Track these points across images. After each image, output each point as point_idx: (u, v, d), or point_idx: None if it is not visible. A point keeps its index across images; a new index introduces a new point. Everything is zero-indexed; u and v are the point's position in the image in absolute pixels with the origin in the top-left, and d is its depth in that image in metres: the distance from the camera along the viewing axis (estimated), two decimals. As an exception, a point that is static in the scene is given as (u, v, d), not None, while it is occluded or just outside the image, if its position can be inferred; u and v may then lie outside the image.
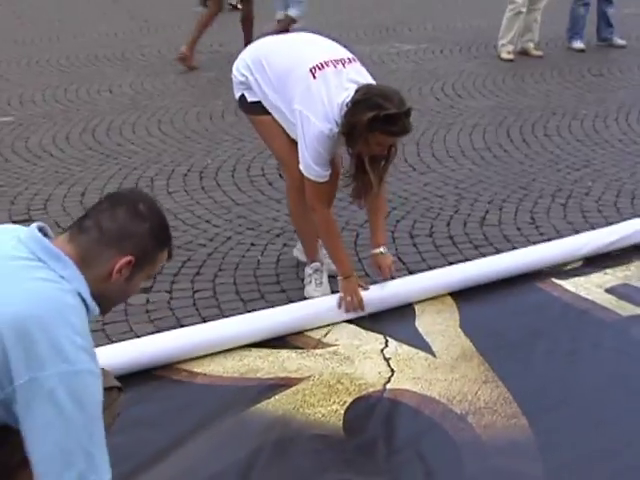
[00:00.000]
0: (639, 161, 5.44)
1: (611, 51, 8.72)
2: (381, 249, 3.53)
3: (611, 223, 4.36)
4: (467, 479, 2.59)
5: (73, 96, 7.02)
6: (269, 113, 3.47)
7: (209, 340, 3.23)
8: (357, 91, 3.13)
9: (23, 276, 1.83)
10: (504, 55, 8.27)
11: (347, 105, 3.12)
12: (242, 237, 4.33)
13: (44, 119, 6.35)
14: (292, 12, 7.77)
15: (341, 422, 2.84)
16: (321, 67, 3.24)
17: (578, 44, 8.69)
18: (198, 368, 3.14)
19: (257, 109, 3.50)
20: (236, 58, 3.61)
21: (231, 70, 3.60)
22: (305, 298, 3.64)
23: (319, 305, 3.50)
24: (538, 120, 6.30)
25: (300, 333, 3.36)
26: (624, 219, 4.38)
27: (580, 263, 3.99)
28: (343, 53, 3.40)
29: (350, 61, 3.34)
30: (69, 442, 1.75)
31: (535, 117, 6.38)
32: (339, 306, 3.44)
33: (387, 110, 3.02)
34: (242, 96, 3.55)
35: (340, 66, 3.27)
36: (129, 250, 1.93)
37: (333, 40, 3.58)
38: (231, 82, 3.63)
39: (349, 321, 3.46)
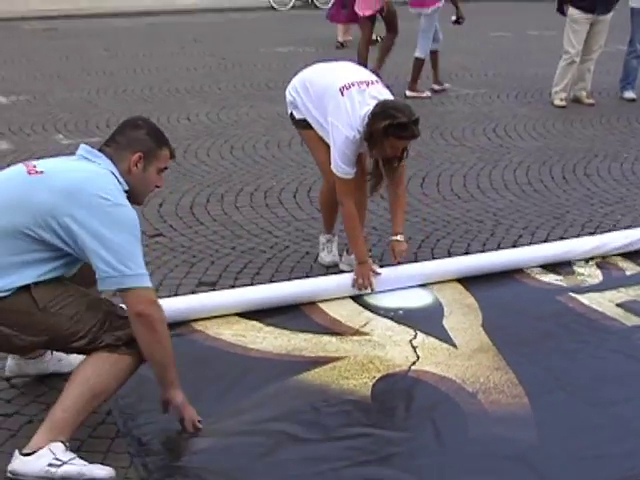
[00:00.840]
0: (671, 201, 5.87)
1: (662, 102, 9.15)
2: (398, 237, 4.32)
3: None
4: (470, 441, 3.09)
5: (154, 122, 7.69)
6: (312, 128, 4.25)
7: (244, 300, 4.02)
8: (375, 105, 3.91)
9: (75, 164, 2.94)
10: (557, 102, 8.78)
11: (368, 117, 3.88)
12: (298, 247, 4.90)
13: (128, 141, 7.03)
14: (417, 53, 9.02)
15: (369, 392, 3.37)
16: (348, 87, 4.02)
17: (629, 94, 9.14)
18: (252, 345, 3.71)
19: (303, 124, 4.32)
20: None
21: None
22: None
23: (338, 280, 4.26)
24: (580, 161, 6.78)
25: (340, 322, 3.92)
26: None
27: (598, 280, 4.46)
28: (368, 77, 4.18)
29: (373, 83, 4.11)
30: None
31: (578, 158, 6.85)
32: (352, 285, 4.17)
33: (399, 119, 3.78)
34: (291, 114, 4.39)
35: (364, 86, 4.04)
36: (137, 149, 2.96)
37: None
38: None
39: (385, 316, 3.99)
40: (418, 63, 9.07)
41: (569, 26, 8.73)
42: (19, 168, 2.95)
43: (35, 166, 2.90)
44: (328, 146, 4.15)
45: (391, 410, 3.27)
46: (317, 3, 18.67)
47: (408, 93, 9.00)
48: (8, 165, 3.31)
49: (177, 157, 6.50)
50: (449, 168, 6.50)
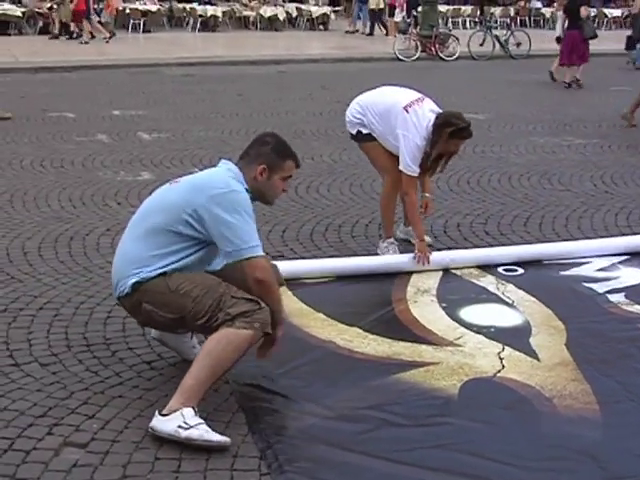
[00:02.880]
0: None
1: None
2: (427, 194, 5.67)
3: None
4: (541, 435, 3.53)
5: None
6: (374, 140, 5.46)
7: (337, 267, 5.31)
8: (437, 117, 5.19)
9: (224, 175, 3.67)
10: None
11: (432, 126, 5.13)
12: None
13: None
14: None
15: (457, 391, 3.87)
16: (410, 105, 5.27)
17: None
18: (358, 349, 4.26)
19: (368, 138, 5.52)
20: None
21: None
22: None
23: (406, 257, 5.45)
24: (683, 208, 7.08)
25: (437, 335, 4.43)
26: None
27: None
28: (419, 95, 5.44)
29: (424, 99, 5.39)
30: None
31: (681, 206, 7.15)
32: (414, 258, 5.31)
33: (460, 125, 5.11)
34: (358, 131, 5.55)
35: (420, 103, 5.32)
36: (262, 162, 3.69)
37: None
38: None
39: (478, 332, 4.48)
40: None
41: None
42: (167, 184, 3.79)
43: (177, 180, 3.78)
44: (388, 154, 5.46)
45: (474, 406, 3.75)
46: (441, 55, 19.29)
47: None
48: (150, 193, 4.07)
49: (300, 192, 7.22)
50: (553, 210, 6.90)
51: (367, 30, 26.38)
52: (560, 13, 15.78)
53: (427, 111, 5.22)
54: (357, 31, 27.11)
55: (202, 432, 3.35)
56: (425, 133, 5.15)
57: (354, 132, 5.58)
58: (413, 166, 5.23)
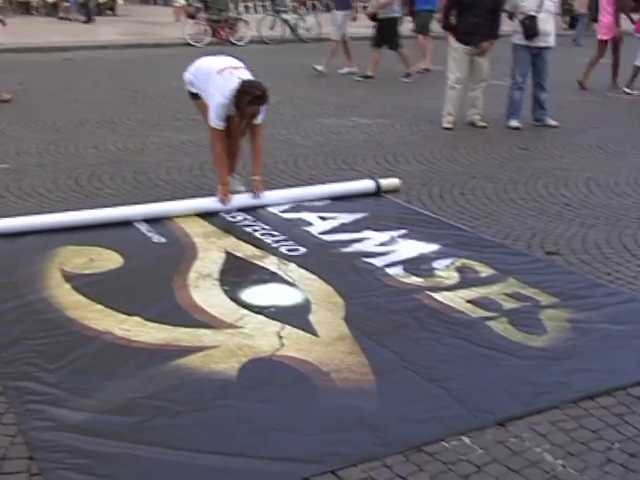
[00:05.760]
0: (533, 215, 6.48)
1: (543, 130, 9.88)
2: (256, 177, 6.38)
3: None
4: (320, 409, 3.57)
5: (63, 150, 8.14)
6: (202, 98, 6.31)
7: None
8: (239, 84, 5.92)
9: None
10: (444, 124, 9.77)
11: (236, 91, 5.90)
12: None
13: (36, 167, 7.45)
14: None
15: (236, 372, 3.85)
16: (223, 70, 6.13)
17: (514, 123, 9.88)
18: (136, 338, 4.16)
19: (197, 97, 6.42)
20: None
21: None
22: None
23: (208, 200, 6.28)
24: (458, 182, 7.38)
25: (217, 318, 4.40)
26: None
27: (455, 281, 5.00)
28: (238, 64, 6.28)
29: (241, 68, 6.23)
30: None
31: (456, 180, 7.46)
32: (217, 200, 6.22)
33: (255, 94, 5.89)
34: (189, 90, 6.47)
35: (234, 70, 6.14)
36: None
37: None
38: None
39: (259, 312, 4.47)
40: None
41: (449, 54, 9.71)
42: None
43: None
44: None
45: (252, 387, 3.74)
46: (232, 40, 19.27)
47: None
48: None
49: (81, 181, 6.99)
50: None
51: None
52: None
53: (235, 77, 6.01)
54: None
55: None
56: (229, 94, 5.93)
57: (187, 90, 6.51)
58: (217, 120, 6.07)
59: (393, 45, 13.59)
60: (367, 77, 13.65)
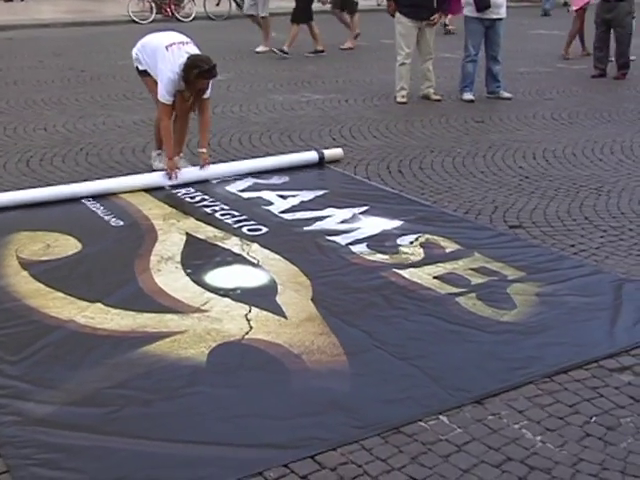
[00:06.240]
0: (493, 188, 6.46)
1: (498, 102, 9.86)
2: (202, 150, 6.50)
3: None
4: (293, 392, 3.51)
5: (11, 133, 7.92)
6: (149, 75, 6.32)
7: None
8: (187, 59, 5.98)
9: None
10: (398, 99, 9.69)
11: (184, 66, 5.94)
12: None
13: (-17, 151, 7.24)
14: None
15: (205, 357, 3.76)
16: (171, 45, 6.14)
17: (468, 96, 9.85)
18: (100, 325, 4.05)
19: (145, 73, 6.42)
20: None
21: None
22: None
23: (156, 175, 6.39)
24: (417, 157, 7.34)
25: (182, 303, 4.29)
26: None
27: (420, 257, 4.96)
28: (185, 39, 6.30)
29: (188, 43, 6.25)
30: None
31: (414, 154, 7.41)
32: (164, 174, 6.30)
33: (203, 67, 5.94)
34: (137, 67, 6.48)
35: (182, 45, 6.17)
36: None
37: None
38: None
39: (224, 295, 4.38)
40: None
41: (397, 30, 9.57)
42: None
43: None
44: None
45: (223, 372, 3.66)
46: (178, 16, 18.97)
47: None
48: None
49: (32, 165, 6.80)
50: (295, 166, 6.93)
51: None
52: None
53: (184, 52, 6.07)
54: None
55: None
56: (178, 69, 5.98)
57: (135, 67, 6.50)
58: (167, 95, 6.12)
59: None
60: (317, 52, 13.52)
